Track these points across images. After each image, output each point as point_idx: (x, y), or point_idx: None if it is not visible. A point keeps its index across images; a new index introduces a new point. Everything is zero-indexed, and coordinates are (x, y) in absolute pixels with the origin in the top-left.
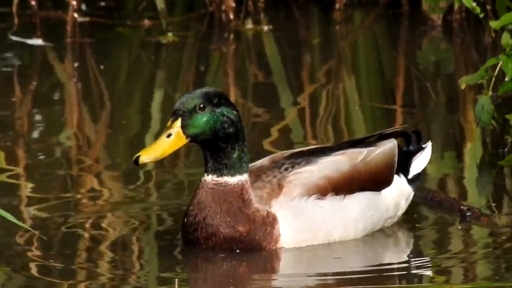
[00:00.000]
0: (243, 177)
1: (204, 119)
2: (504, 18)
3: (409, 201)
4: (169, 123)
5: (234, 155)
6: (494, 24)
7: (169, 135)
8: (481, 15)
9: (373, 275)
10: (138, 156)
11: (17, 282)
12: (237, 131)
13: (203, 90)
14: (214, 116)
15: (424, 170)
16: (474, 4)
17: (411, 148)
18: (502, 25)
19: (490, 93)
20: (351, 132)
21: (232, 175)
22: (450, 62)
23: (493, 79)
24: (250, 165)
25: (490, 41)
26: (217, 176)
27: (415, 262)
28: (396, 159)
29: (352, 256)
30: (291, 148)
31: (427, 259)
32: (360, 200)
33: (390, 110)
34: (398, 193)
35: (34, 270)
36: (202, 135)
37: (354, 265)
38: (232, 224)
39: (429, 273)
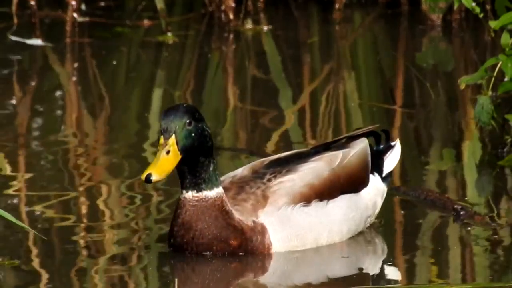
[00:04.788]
0: (220, 189)
1: (193, 134)
2: (504, 18)
3: (383, 198)
4: (161, 140)
5: (211, 169)
6: (493, 24)
7: (167, 152)
8: (481, 15)
9: (370, 275)
10: (150, 174)
11: (17, 281)
12: (212, 145)
13: (184, 105)
14: (199, 131)
15: (424, 170)
16: (473, 4)
17: (381, 147)
18: (502, 25)
19: (490, 93)
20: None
21: (210, 188)
22: (449, 62)
23: (493, 79)
24: (231, 174)
25: (490, 41)
26: (197, 192)
27: (412, 262)
28: (369, 158)
29: (350, 256)
30: (290, 148)
31: (425, 258)
32: (342, 203)
33: (390, 110)
34: (375, 192)
35: (34, 269)
36: (192, 149)
37: (351, 265)
38: (223, 239)
39: (427, 273)
